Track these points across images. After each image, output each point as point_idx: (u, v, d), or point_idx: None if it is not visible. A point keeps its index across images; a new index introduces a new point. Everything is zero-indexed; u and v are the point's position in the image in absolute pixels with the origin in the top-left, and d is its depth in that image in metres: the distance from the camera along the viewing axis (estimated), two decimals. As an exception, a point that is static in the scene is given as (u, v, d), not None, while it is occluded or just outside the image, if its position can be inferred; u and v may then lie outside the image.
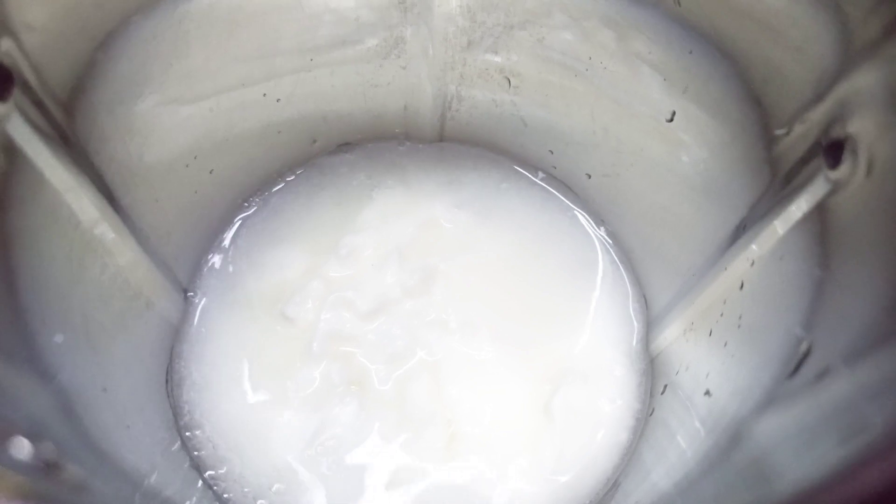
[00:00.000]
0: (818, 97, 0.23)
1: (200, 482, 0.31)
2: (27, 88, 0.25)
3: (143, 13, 0.29)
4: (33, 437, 0.14)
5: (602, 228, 0.39)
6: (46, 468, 0.14)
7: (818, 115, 0.24)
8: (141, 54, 0.30)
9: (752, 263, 0.27)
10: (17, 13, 0.24)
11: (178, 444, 0.31)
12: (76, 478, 0.16)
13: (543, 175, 0.41)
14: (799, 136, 0.25)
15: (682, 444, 0.27)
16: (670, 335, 0.34)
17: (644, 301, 0.37)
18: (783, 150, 0.26)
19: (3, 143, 0.23)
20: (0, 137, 0.23)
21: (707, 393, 0.28)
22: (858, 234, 0.20)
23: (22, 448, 0.14)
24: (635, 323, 0.37)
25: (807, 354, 0.20)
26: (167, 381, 0.34)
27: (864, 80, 0.21)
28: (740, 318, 0.27)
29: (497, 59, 0.37)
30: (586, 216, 0.40)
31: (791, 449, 0.17)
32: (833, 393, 0.17)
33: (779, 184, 0.26)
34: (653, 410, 0.34)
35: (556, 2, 0.33)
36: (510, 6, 0.34)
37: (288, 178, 0.40)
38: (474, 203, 0.40)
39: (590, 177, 0.39)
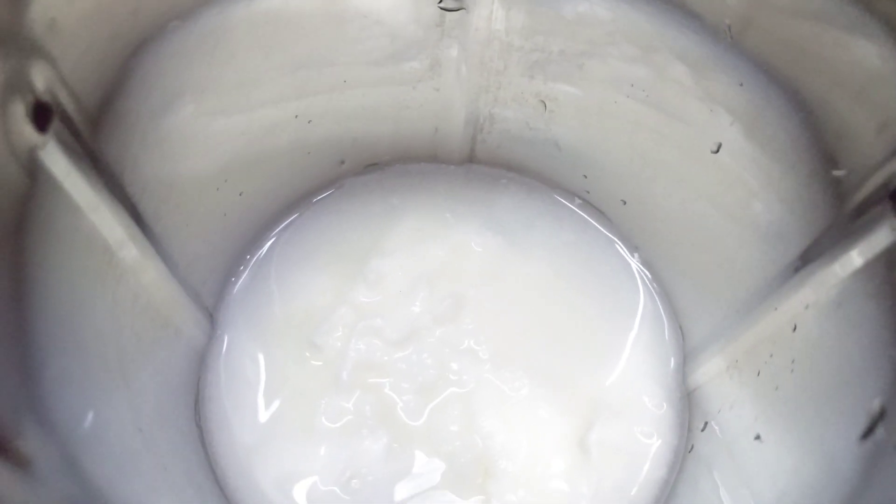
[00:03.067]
0: (885, 143, 0.22)
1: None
2: (65, 117, 0.24)
3: (179, 21, 0.28)
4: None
5: (636, 256, 0.39)
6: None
7: (882, 158, 0.23)
8: (174, 68, 0.29)
9: (807, 307, 0.26)
10: (47, 27, 0.23)
11: (210, 479, 0.31)
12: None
13: (576, 200, 0.40)
14: (861, 178, 0.24)
15: (730, 490, 0.27)
16: (711, 370, 0.33)
17: (680, 332, 0.37)
18: (844, 191, 0.25)
19: (30, 170, 0.23)
20: (28, 164, 0.22)
21: (758, 437, 0.27)
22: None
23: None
24: (671, 355, 0.36)
25: (881, 417, 0.19)
26: (195, 412, 0.33)
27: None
28: (793, 362, 0.27)
29: (533, 83, 0.36)
30: (620, 243, 0.39)
31: None
32: None
33: (839, 227, 0.25)
34: (692, 447, 0.33)
35: (599, 28, 0.32)
36: (550, 31, 0.33)
37: (315, 200, 0.40)
38: (504, 227, 0.40)
39: (625, 203, 0.38)
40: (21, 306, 0.21)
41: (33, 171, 0.23)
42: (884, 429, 0.19)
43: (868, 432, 0.20)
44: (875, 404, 0.20)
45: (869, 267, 0.24)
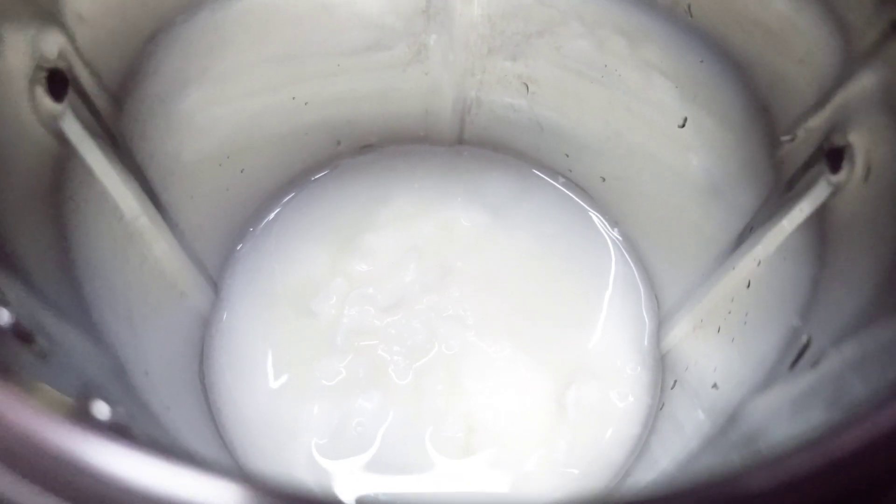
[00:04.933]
0: (820, 105, 0.25)
1: (233, 467, 0.33)
2: (79, 89, 0.27)
3: (184, 15, 0.31)
4: (107, 401, 0.16)
5: (616, 229, 0.41)
6: (122, 428, 0.16)
7: (820, 121, 0.25)
8: (181, 57, 0.32)
9: (759, 263, 0.28)
10: (71, 5, 0.25)
11: (210, 429, 0.33)
12: (147, 437, 0.17)
13: (560, 178, 0.42)
14: (802, 142, 0.26)
15: (687, 433, 0.29)
16: (680, 332, 0.35)
17: (656, 300, 0.39)
18: (788, 155, 0.27)
19: (59, 134, 0.25)
20: (56, 129, 0.25)
21: (714, 386, 0.29)
22: (854, 234, 0.21)
23: (102, 411, 0.15)
24: (647, 321, 0.38)
25: (806, 347, 0.22)
26: (199, 369, 0.35)
27: (862, 85, 0.22)
28: (747, 314, 0.29)
29: (516, 65, 0.38)
30: (601, 217, 0.41)
31: (782, 419, 0.18)
32: (822, 372, 0.18)
33: (783, 187, 0.27)
34: (662, 405, 0.36)
35: (573, 11, 0.34)
36: (529, 15, 0.35)
37: (313, 178, 0.42)
38: (492, 204, 0.42)
39: (604, 180, 0.40)
40: (63, 251, 0.24)
41: (61, 137, 0.25)
42: (807, 356, 0.21)
43: (795, 361, 0.22)
44: (803, 338, 0.22)
45: (809, 220, 0.26)
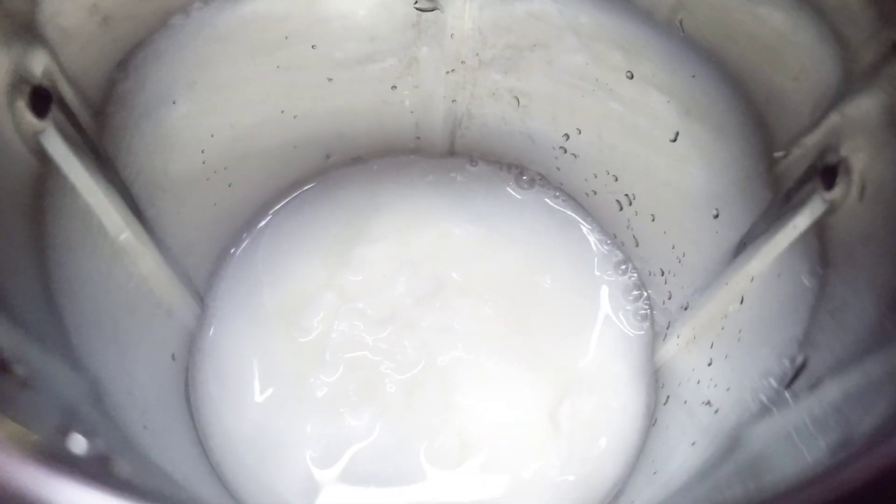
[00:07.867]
0: (816, 121, 0.24)
1: (219, 486, 0.32)
2: (63, 106, 0.26)
3: (172, 26, 0.30)
4: (84, 433, 0.16)
5: (610, 242, 0.41)
6: (100, 462, 0.16)
7: (816, 138, 0.25)
8: (168, 70, 0.31)
9: (752, 279, 0.28)
10: (54, 19, 0.25)
11: (196, 448, 0.33)
12: (125, 472, 0.17)
13: (552, 190, 0.42)
14: (797, 158, 0.26)
15: (683, 453, 0.29)
16: (674, 347, 0.35)
17: (650, 314, 0.39)
18: (782, 171, 0.27)
19: (39, 151, 0.25)
20: (36, 146, 0.25)
21: (708, 403, 0.29)
22: (851, 253, 0.21)
23: (79, 444, 0.15)
24: (641, 335, 0.38)
25: (802, 367, 0.21)
26: (186, 386, 0.35)
27: (861, 104, 0.22)
28: (740, 331, 0.29)
29: (507, 79, 0.38)
30: (594, 230, 0.41)
31: (783, 447, 0.18)
32: (823, 399, 0.18)
33: (778, 203, 0.27)
34: (656, 420, 0.35)
35: (566, 26, 0.34)
36: (521, 29, 0.35)
37: (302, 191, 0.42)
38: (483, 216, 0.42)
39: (596, 193, 0.40)
40: (43, 272, 0.24)
41: (42, 154, 0.25)
42: (803, 376, 0.21)
43: (791, 381, 0.22)
44: (799, 359, 0.22)
45: (803, 237, 0.26)
